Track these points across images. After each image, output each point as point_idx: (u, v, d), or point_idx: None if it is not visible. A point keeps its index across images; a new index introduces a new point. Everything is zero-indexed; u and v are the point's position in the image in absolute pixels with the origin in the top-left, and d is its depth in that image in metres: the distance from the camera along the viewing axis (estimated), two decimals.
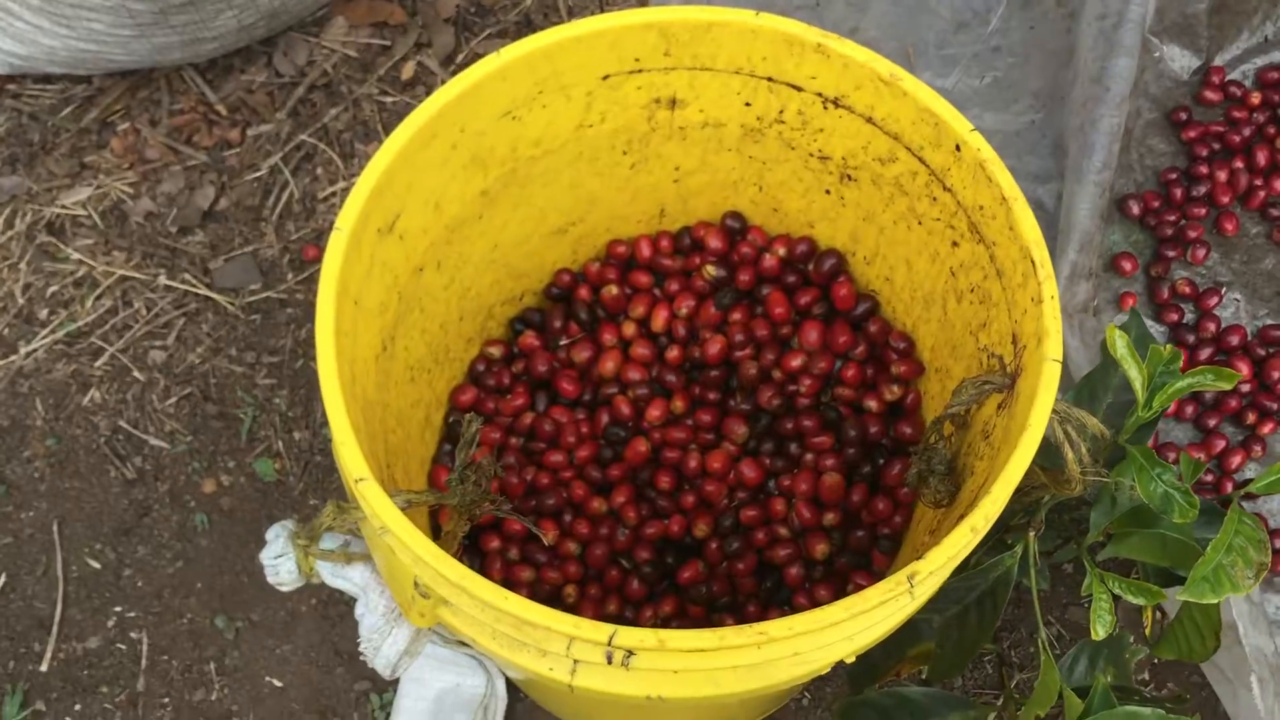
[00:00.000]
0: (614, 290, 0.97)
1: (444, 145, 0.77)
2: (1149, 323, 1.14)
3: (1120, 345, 0.70)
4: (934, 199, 0.81)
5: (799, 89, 0.82)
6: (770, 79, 0.82)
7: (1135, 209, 1.18)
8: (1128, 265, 1.16)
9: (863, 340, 0.93)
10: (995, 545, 0.85)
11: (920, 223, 0.84)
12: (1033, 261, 0.71)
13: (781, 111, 0.84)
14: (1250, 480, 1.04)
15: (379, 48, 1.36)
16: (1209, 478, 1.08)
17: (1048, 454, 0.74)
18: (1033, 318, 0.70)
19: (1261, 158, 1.19)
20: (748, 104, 0.85)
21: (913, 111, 0.77)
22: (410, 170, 0.74)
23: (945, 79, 1.29)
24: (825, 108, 0.82)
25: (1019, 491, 0.80)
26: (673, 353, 0.95)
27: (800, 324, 0.93)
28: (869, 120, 0.81)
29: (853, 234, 0.91)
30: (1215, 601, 0.72)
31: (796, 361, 0.92)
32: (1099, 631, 0.73)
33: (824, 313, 0.94)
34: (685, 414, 0.95)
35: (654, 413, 0.94)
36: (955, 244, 0.81)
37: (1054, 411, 0.72)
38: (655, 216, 0.98)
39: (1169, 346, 0.72)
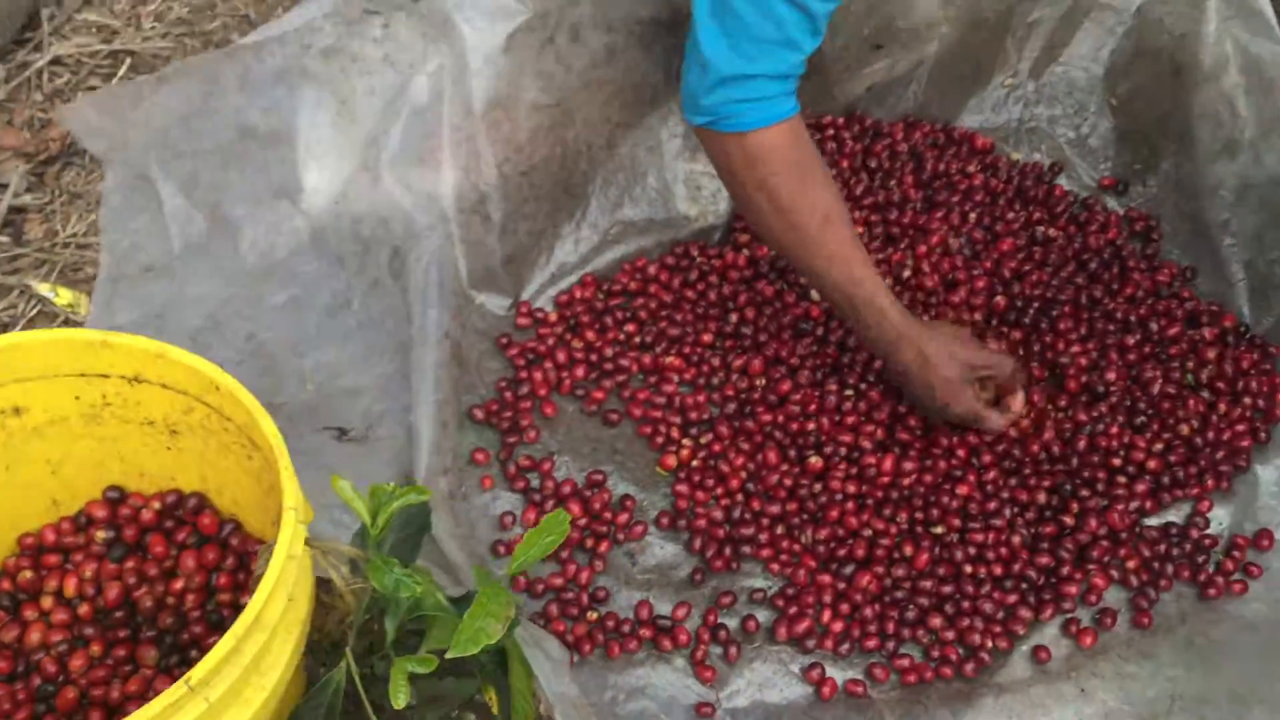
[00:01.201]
0: (29, 575, 1.17)
1: None
2: (506, 492, 1.48)
3: (346, 490, 0.99)
4: (226, 429, 1.09)
5: (107, 376, 1.09)
6: (82, 374, 1.09)
7: (480, 415, 1.53)
8: (481, 456, 1.49)
9: (229, 553, 1.18)
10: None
11: (230, 450, 1.11)
12: (273, 451, 1.00)
13: (104, 396, 1.11)
14: None
15: None
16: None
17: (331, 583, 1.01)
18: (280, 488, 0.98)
19: (562, 356, 1.59)
20: (77, 397, 1.11)
21: (184, 372, 1.06)
22: None
23: (327, 354, 1.61)
24: (132, 385, 1.10)
25: (340, 618, 1.07)
26: (83, 609, 1.16)
27: (178, 556, 1.17)
28: (165, 386, 1.09)
29: (201, 474, 1.18)
30: (475, 653, 0.99)
31: (179, 584, 1.16)
32: (399, 701, 0.99)
33: (196, 540, 1.19)
34: (104, 655, 1.14)
35: (77, 663, 1.13)
36: (250, 457, 1.09)
37: (316, 548, 0.99)
38: (51, 506, 1.20)
39: (390, 485, 1.02)
